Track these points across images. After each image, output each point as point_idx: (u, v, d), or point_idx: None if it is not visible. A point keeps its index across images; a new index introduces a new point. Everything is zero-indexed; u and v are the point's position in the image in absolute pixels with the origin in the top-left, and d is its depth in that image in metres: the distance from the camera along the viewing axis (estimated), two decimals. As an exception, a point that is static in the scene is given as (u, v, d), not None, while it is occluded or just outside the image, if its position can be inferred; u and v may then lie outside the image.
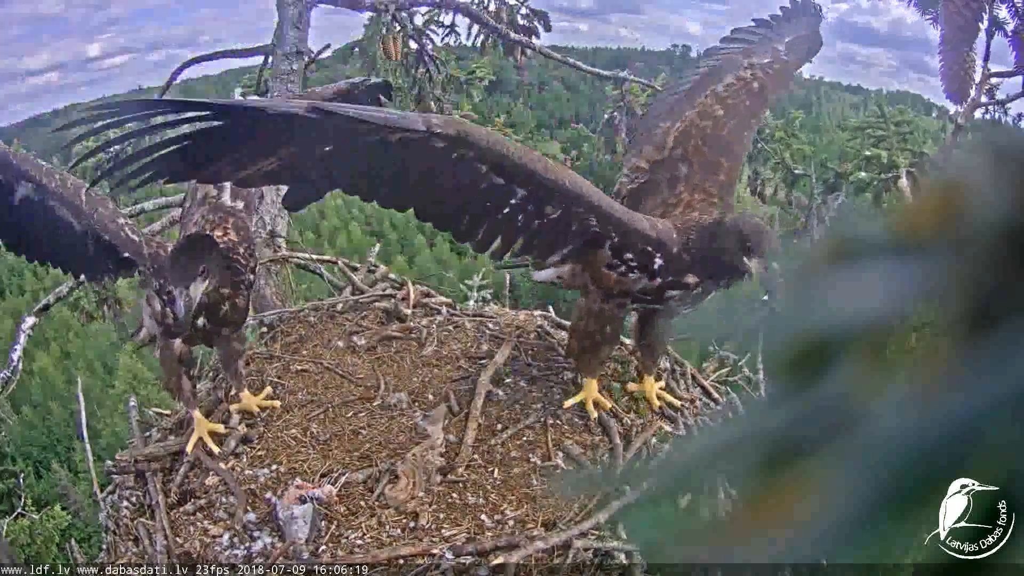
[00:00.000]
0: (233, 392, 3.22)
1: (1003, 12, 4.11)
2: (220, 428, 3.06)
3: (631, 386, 3.27)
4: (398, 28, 6.04)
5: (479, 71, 6.89)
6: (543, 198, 2.52)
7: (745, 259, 2.54)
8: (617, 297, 2.86)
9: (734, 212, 2.88)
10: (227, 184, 2.93)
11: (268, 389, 3.30)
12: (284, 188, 5.47)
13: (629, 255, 2.72)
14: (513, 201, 2.52)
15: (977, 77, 4.22)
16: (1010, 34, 4.19)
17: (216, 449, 2.96)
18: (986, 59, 4.40)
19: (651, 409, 3.21)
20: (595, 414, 3.06)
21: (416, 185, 2.44)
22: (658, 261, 2.71)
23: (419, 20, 6.29)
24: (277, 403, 3.21)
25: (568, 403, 3.11)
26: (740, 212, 2.74)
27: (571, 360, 3.21)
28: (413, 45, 6.28)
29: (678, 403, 3.22)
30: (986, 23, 3.98)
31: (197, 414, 3.04)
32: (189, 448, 2.97)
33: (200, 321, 2.78)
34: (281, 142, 2.26)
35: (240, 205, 2.97)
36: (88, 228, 2.74)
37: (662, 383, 3.29)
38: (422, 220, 2.58)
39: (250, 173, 2.31)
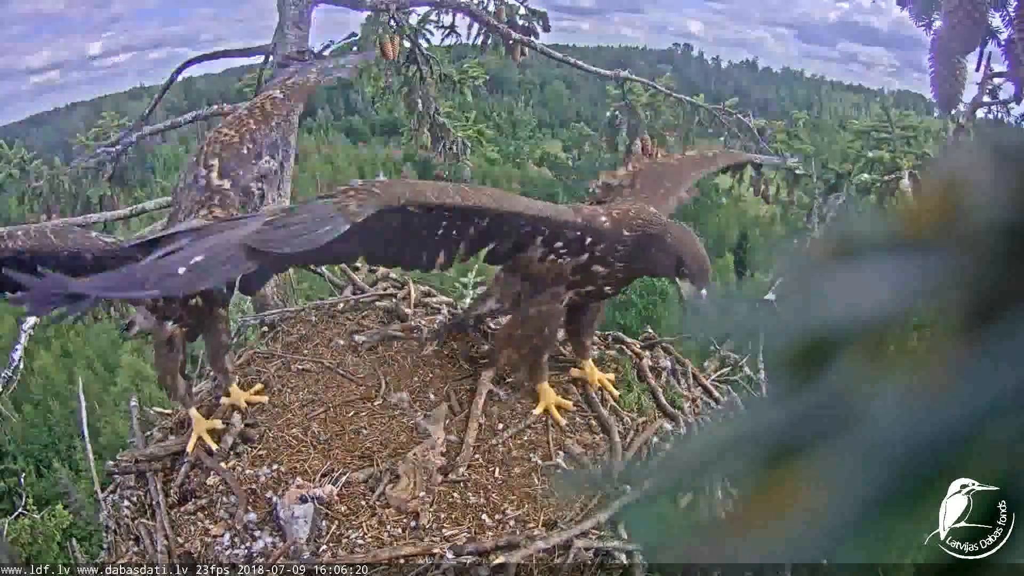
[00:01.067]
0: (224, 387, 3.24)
1: (996, 21, 4.11)
2: (218, 424, 3.07)
3: (573, 372, 3.30)
4: (395, 28, 6.03)
5: (471, 71, 6.87)
6: (466, 220, 2.70)
7: (677, 279, 2.73)
8: (552, 286, 2.93)
9: (669, 222, 2.99)
10: (215, 163, 3.03)
11: (259, 385, 3.30)
12: (286, 186, 5.45)
13: (560, 243, 2.86)
14: (443, 224, 2.69)
15: (968, 83, 4.24)
16: (1003, 43, 4.19)
17: (214, 446, 2.97)
18: (978, 67, 4.41)
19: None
20: (563, 421, 3.08)
21: (362, 248, 2.69)
22: (588, 238, 2.86)
23: (414, 19, 6.27)
24: (265, 398, 3.21)
25: (536, 412, 3.11)
26: (681, 229, 2.84)
27: (515, 372, 3.23)
28: (406, 44, 6.26)
29: (616, 393, 3.24)
30: (983, 32, 3.99)
31: (194, 413, 3.05)
32: (190, 448, 2.98)
33: (193, 301, 2.82)
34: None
35: (227, 184, 2.99)
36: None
37: (611, 375, 3.30)
38: (371, 264, 2.76)
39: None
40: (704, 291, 2.66)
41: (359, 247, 2.69)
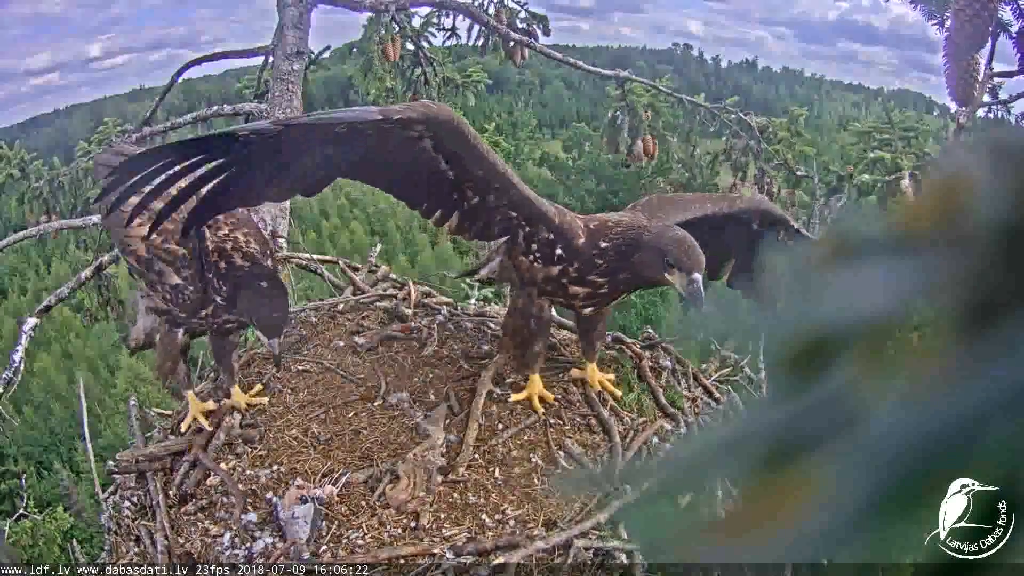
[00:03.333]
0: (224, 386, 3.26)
1: (1007, 14, 4.09)
2: (211, 405, 3.12)
3: (574, 372, 3.31)
4: (397, 29, 6.04)
5: (475, 74, 6.88)
6: (466, 183, 2.75)
7: (667, 275, 2.60)
8: (527, 286, 2.96)
9: (648, 224, 2.90)
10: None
11: (259, 386, 3.31)
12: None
13: (535, 245, 2.87)
14: (445, 185, 2.76)
15: (981, 79, 4.21)
16: (1015, 36, 4.17)
17: (205, 423, 3.04)
18: (990, 62, 4.39)
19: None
20: (541, 409, 3.09)
21: (378, 166, 2.71)
22: (559, 251, 2.83)
23: (417, 22, 6.28)
24: (265, 399, 3.22)
25: (514, 398, 3.15)
26: (661, 225, 2.74)
27: (511, 361, 3.23)
28: (410, 47, 6.26)
29: (619, 394, 3.23)
30: (992, 27, 3.97)
31: (190, 395, 3.10)
32: (183, 427, 3.04)
33: (229, 325, 2.94)
34: (268, 158, 2.46)
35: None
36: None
37: (611, 376, 3.30)
38: (388, 192, 2.84)
39: (259, 192, 2.61)
40: (697, 276, 2.52)
41: (382, 169, 2.71)
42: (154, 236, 2.71)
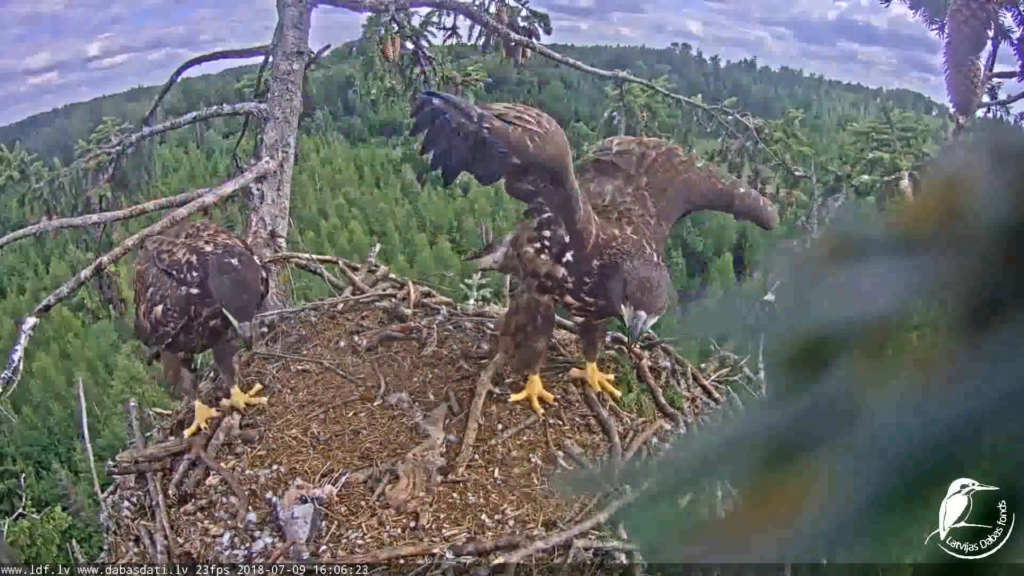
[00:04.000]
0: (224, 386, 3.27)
1: (1008, 20, 4.08)
2: (216, 413, 3.14)
3: (574, 372, 3.32)
4: (396, 29, 6.03)
5: (475, 73, 6.87)
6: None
7: (621, 305, 2.66)
8: (528, 278, 2.97)
9: (660, 247, 2.92)
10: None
11: (258, 386, 3.31)
12: (285, 187, 5.46)
13: (547, 232, 2.90)
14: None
15: (982, 84, 4.20)
16: (1016, 42, 4.16)
17: (204, 426, 3.08)
18: (990, 68, 4.38)
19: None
20: (540, 410, 3.09)
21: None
22: (568, 256, 2.86)
23: (416, 21, 6.27)
24: (264, 400, 3.22)
25: (514, 398, 3.15)
26: (644, 261, 2.75)
27: (511, 360, 3.23)
28: (409, 46, 6.26)
29: (618, 394, 3.23)
30: (992, 31, 3.96)
31: (197, 403, 3.12)
32: (188, 434, 3.05)
33: (213, 322, 2.91)
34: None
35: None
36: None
37: (611, 376, 3.31)
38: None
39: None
40: (642, 314, 2.59)
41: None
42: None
